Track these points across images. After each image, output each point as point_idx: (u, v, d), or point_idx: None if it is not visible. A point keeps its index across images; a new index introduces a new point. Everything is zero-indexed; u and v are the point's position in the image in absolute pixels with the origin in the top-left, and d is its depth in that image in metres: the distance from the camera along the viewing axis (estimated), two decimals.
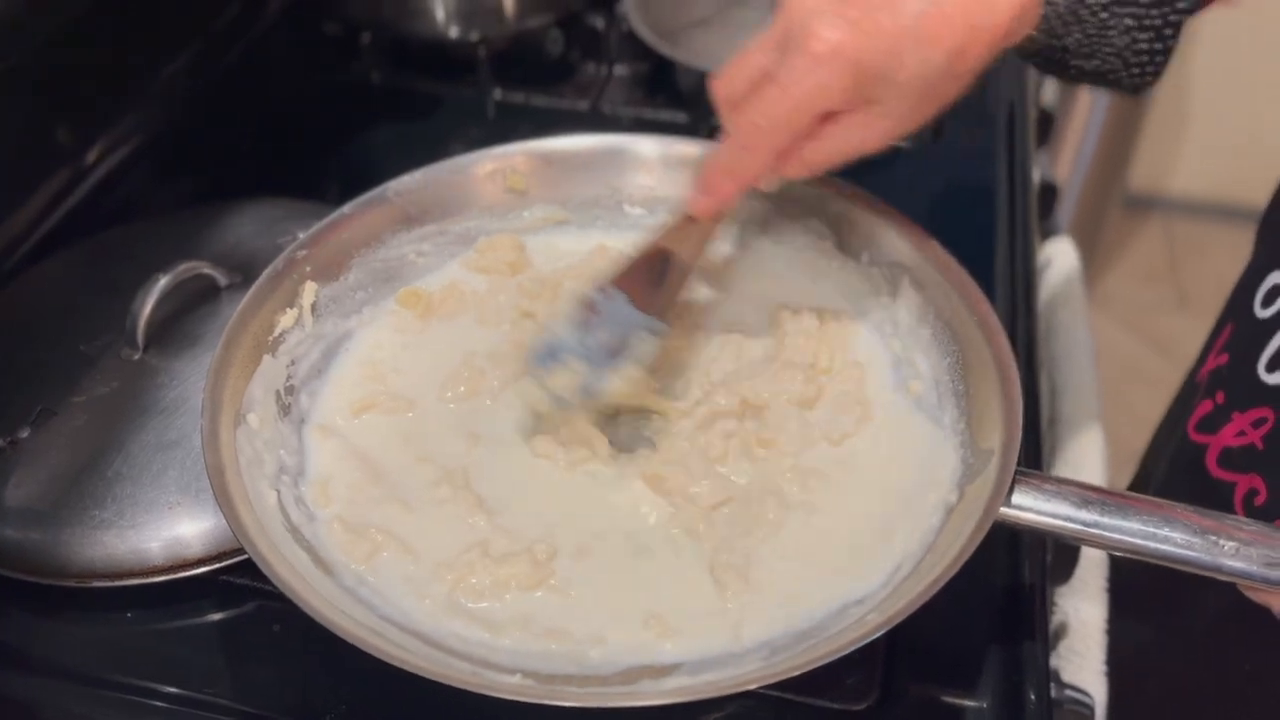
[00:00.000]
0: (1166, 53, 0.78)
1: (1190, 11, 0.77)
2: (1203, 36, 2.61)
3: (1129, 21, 0.76)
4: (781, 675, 0.60)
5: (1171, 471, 0.97)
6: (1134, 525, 0.66)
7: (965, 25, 0.67)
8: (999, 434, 0.71)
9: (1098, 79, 0.80)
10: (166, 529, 0.76)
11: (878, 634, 0.61)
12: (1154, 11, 0.76)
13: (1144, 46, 0.77)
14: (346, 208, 0.86)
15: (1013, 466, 0.68)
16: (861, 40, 0.66)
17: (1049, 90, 2.28)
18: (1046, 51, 0.78)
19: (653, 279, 0.80)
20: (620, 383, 0.78)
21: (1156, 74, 0.79)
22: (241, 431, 0.73)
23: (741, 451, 0.78)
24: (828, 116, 0.71)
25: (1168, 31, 0.77)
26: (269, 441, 0.75)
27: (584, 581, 0.71)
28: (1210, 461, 0.86)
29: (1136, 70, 0.79)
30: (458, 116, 1.28)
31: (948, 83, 0.70)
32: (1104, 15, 0.75)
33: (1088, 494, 0.67)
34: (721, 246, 0.92)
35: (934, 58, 0.67)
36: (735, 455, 0.78)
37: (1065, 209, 2.53)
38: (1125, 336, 2.78)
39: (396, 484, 0.76)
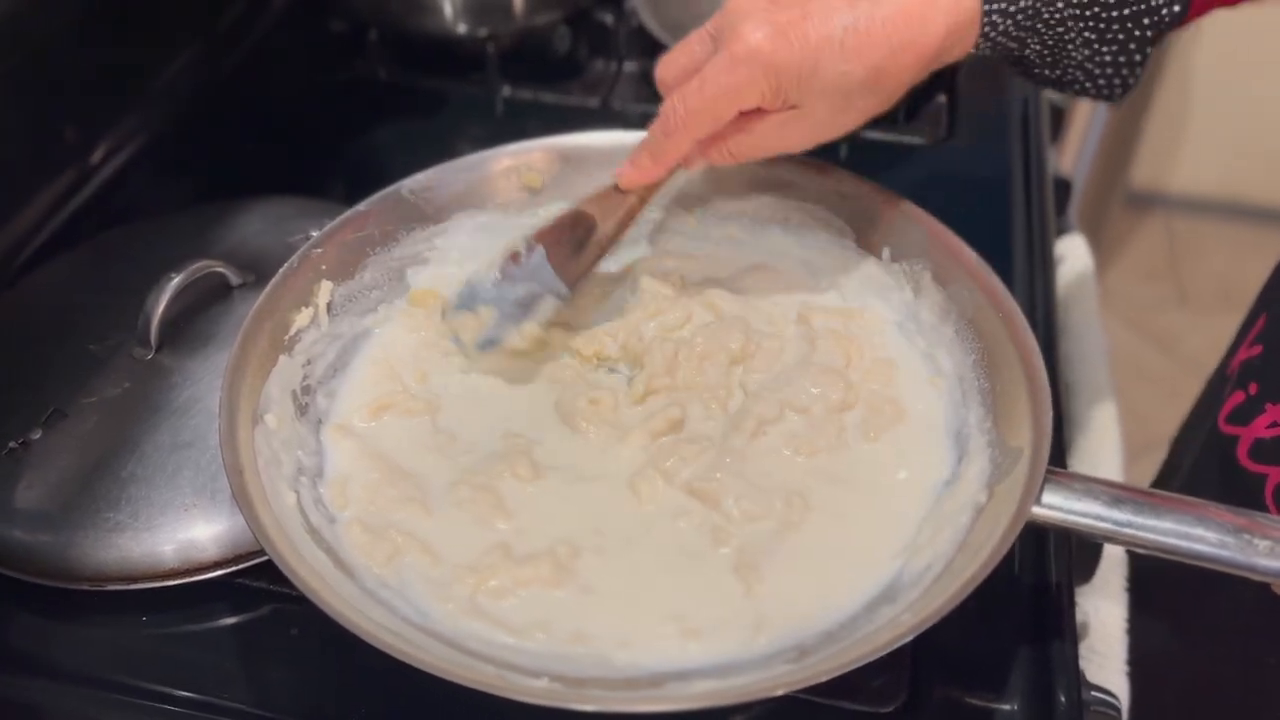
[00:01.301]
0: (1133, 65, 0.76)
1: (1158, 31, 0.75)
2: (1204, 35, 2.61)
3: (1089, 35, 0.75)
4: (814, 679, 0.59)
5: (1200, 464, 0.96)
6: (1167, 525, 0.65)
7: (888, 45, 0.70)
8: (1028, 432, 0.70)
9: (1063, 87, 0.79)
10: (182, 531, 0.75)
11: (911, 635, 0.60)
12: (1115, 28, 0.74)
13: (1108, 59, 0.76)
14: (361, 205, 0.86)
15: (1044, 465, 0.67)
16: (781, 45, 0.69)
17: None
18: (1007, 60, 0.78)
19: (574, 244, 0.82)
20: (517, 338, 0.82)
21: (1125, 86, 0.78)
22: (259, 431, 0.72)
23: (779, 456, 0.77)
24: (753, 112, 0.74)
25: (1132, 46, 0.75)
26: (286, 441, 0.74)
27: (607, 583, 0.70)
28: (1241, 454, 0.85)
29: (1103, 82, 0.78)
30: (466, 114, 1.27)
31: (868, 96, 0.73)
32: (1060, 30, 0.74)
33: (1119, 493, 0.67)
34: (744, 247, 0.92)
35: (853, 71, 0.70)
36: (773, 461, 0.77)
37: (1070, 206, 2.53)
38: (1126, 333, 2.78)
39: (416, 485, 0.75)
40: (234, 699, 0.72)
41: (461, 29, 1.26)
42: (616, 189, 0.82)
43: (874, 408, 0.80)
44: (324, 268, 0.82)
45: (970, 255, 0.82)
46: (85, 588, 0.75)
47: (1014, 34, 0.74)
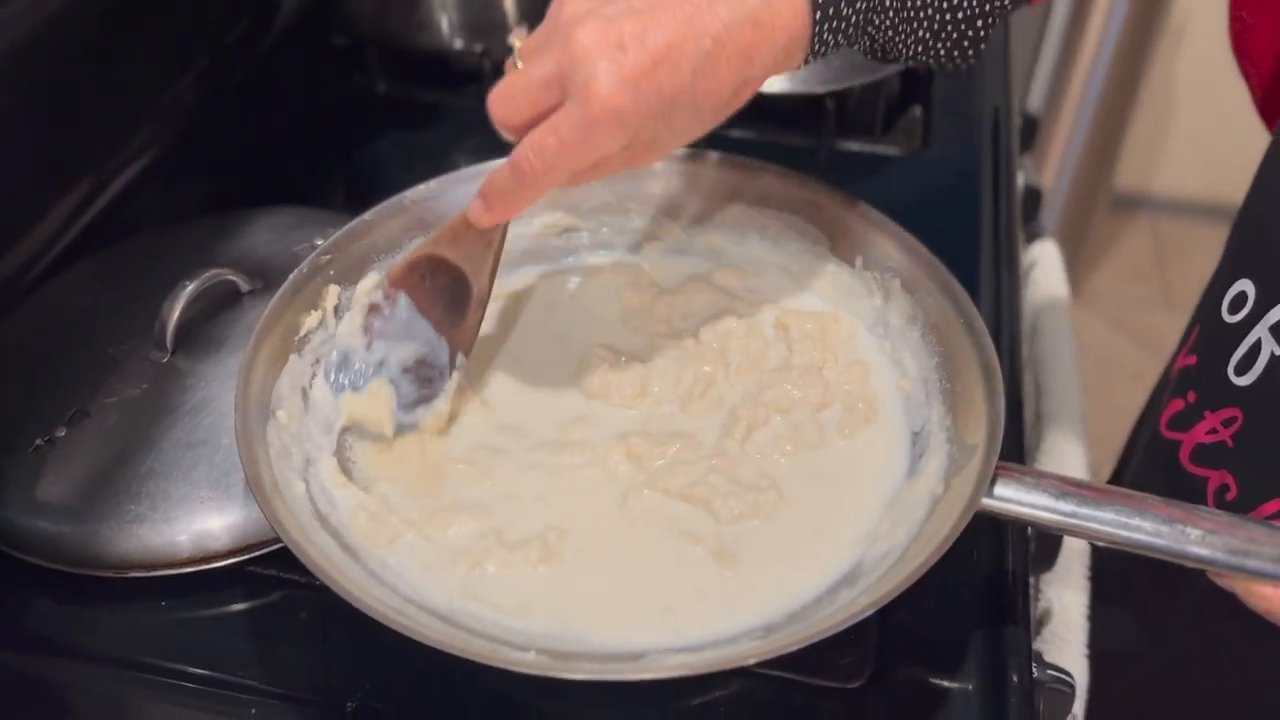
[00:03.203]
0: (977, 47, 0.78)
1: (998, 17, 0.77)
2: (1186, 39, 2.65)
3: (922, 33, 0.77)
4: (780, 650, 0.64)
5: (1145, 467, 1.01)
6: (1108, 515, 0.70)
7: (734, 81, 0.71)
8: (983, 429, 0.75)
9: (903, 63, 0.81)
10: (197, 522, 0.80)
11: (867, 614, 0.65)
12: (950, 29, 0.76)
13: (943, 52, 0.78)
14: (367, 215, 0.90)
15: (995, 459, 0.72)
16: (638, 101, 0.68)
17: (1035, 97, 2.33)
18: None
19: (441, 292, 0.82)
20: (433, 420, 0.83)
21: (968, 61, 0.79)
22: (271, 426, 0.78)
23: (765, 456, 0.82)
24: None
25: (965, 43, 0.77)
26: (296, 436, 0.79)
27: (593, 567, 0.75)
28: (1184, 457, 0.89)
29: (946, 61, 0.79)
30: (462, 126, 1.31)
31: (713, 121, 0.74)
32: (890, 33, 0.77)
33: (1065, 486, 0.71)
34: (725, 255, 0.97)
35: (704, 110, 0.71)
36: (759, 461, 0.82)
37: (1053, 210, 2.56)
38: (1112, 333, 2.82)
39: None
40: (247, 677, 0.76)
41: (458, 44, 1.30)
42: (467, 224, 0.79)
43: (848, 406, 0.85)
44: (331, 273, 0.87)
45: (936, 264, 0.87)
46: (108, 575, 0.80)
47: (843, 43, 0.76)
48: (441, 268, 0.82)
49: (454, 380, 0.84)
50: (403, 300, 0.83)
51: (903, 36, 0.77)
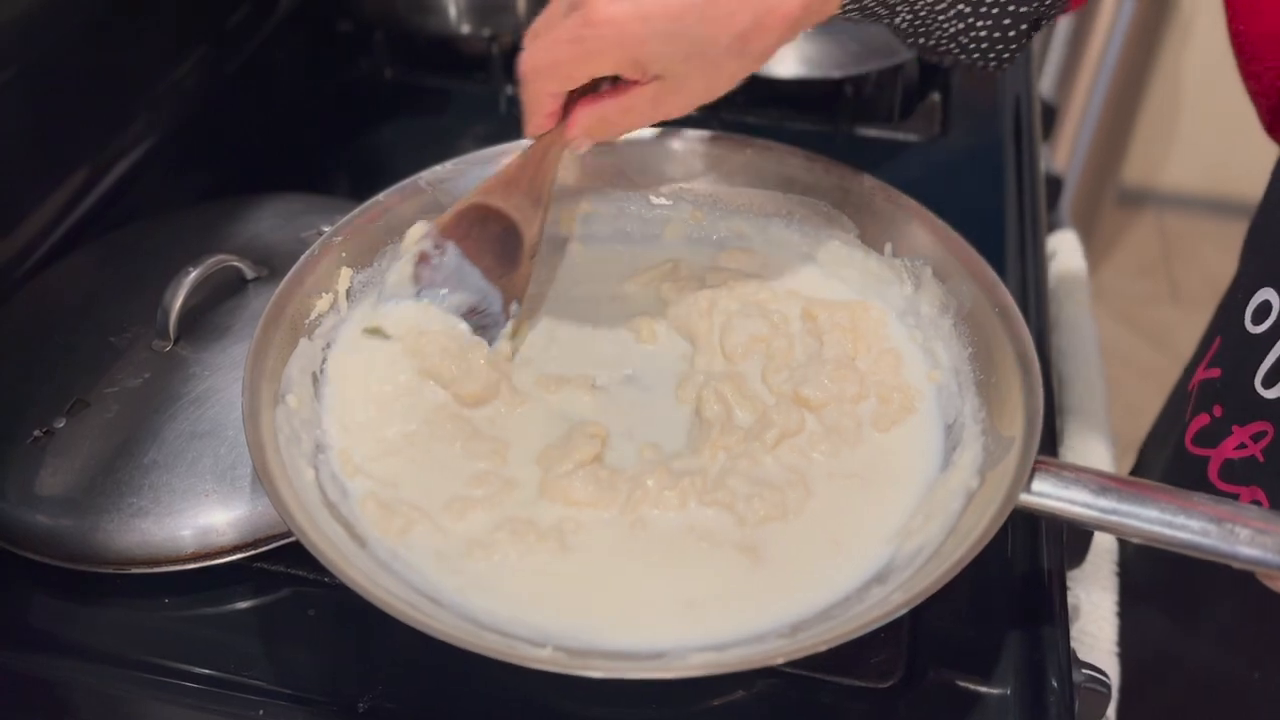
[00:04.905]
0: (1008, 43, 0.76)
1: (1039, 13, 0.75)
2: (1195, 34, 2.63)
3: (963, 8, 0.74)
4: (808, 650, 0.62)
5: (1170, 481, 0.98)
6: (1152, 513, 0.67)
7: (752, 12, 0.67)
8: (1020, 422, 0.72)
9: (937, 56, 0.79)
10: (202, 516, 0.77)
11: (901, 612, 0.63)
12: (990, 5, 0.74)
13: (983, 34, 0.76)
14: (380, 196, 0.88)
15: (1034, 454, 0.69)
16: (639, 21, 0.66)
17: (1046, 84, 2.31)
18: (881, 26, 0.78)
19: (492, 241, 0.82)
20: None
21: (1002, 61, 0.78)
22: (280, 411, 0.75)
23: (796, 457, 0.79)
24: (625, 84, 0.73)
25: (1007, 22, 0.75)
26: (306, 421, 0.77)
27: (612, 560, 0.72)
28: (1212, 473, 0.87)
29: (977, 56, 0.78)
30: (469, 112, 1.29)
31: (734, 62, 0.70)
32: (931, 1, 0.74)
33: (1106, 482, 0.69)
34: (749, 241, 0.94)
35: (718, 39, 0.68)
36: (788, 461, 0.79)
37: (1062, 202, 2.55)
38: (1118, 328, 2.80)
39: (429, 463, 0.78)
40: (254, 677, 0.74)
41: (465, 29, 1.29)
42: (516, 174, 0.81)
43: (884, 398, 0.82)
44: (344, 255, 0.85)
45: (969, 252, 0.84)
46: (108, 571, 0.77)
47: (881, 12, 0.74)
48: (492, 217, 0.82)
49: (509, 325, 0.84)
50: (451, 249, 0.83)
51: (944, 7, 0.74)
